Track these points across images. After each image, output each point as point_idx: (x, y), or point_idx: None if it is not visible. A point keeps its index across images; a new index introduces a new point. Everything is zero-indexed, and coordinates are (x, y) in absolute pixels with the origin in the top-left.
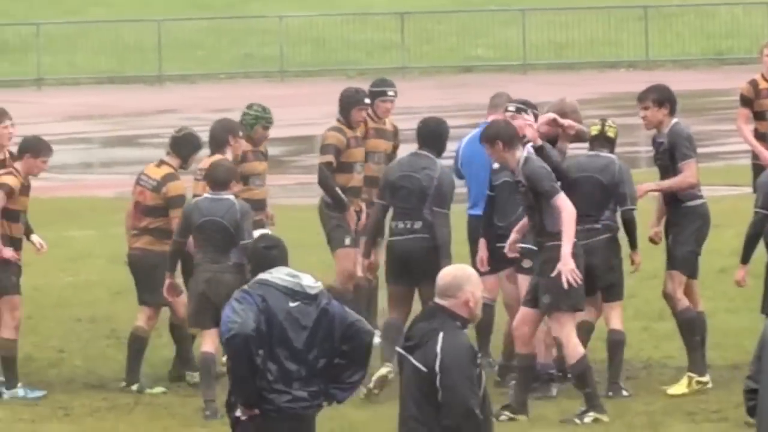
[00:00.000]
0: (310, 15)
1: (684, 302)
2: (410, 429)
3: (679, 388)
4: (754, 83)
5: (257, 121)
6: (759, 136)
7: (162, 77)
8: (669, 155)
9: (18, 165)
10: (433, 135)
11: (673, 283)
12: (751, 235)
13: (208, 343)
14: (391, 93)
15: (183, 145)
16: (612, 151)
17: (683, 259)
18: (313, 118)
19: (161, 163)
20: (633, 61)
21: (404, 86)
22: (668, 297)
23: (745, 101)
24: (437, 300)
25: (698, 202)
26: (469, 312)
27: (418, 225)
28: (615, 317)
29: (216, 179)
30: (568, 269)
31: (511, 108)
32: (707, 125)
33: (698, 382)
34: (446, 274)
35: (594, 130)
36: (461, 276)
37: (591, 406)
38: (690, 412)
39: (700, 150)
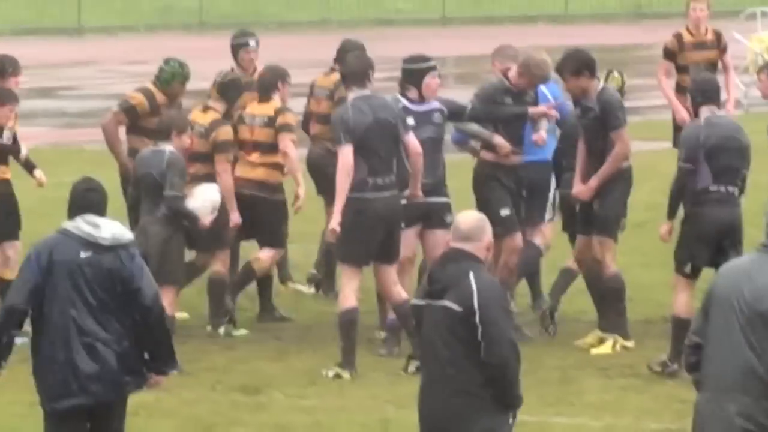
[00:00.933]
0: None
1: (613, 268)
2: (448, 375)
3: (604, 349)
4: (678, 36)
5: (174, 77)
6: (681, 90)
7: (81, 29)
8: (600, 122)
9: None
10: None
11: (603, 250)
12: (675, 189)
13: None
14: (252, 43)
15: (230, 89)
16: None
17: (613, 223)
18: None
19: (206, 108)
20: (552, 15)
21: (324, 39)
22: (593, 262)
23: (669, 54)
24: (458, 244)
25: (625, 165)
26: (486, 256)
27: None
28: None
29: (157, 130)
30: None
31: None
32: (627, 80)
33: (623, 347)
34: (469, 219)
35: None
36: (484, 220)
37: None
38: (602, 367)
39: None
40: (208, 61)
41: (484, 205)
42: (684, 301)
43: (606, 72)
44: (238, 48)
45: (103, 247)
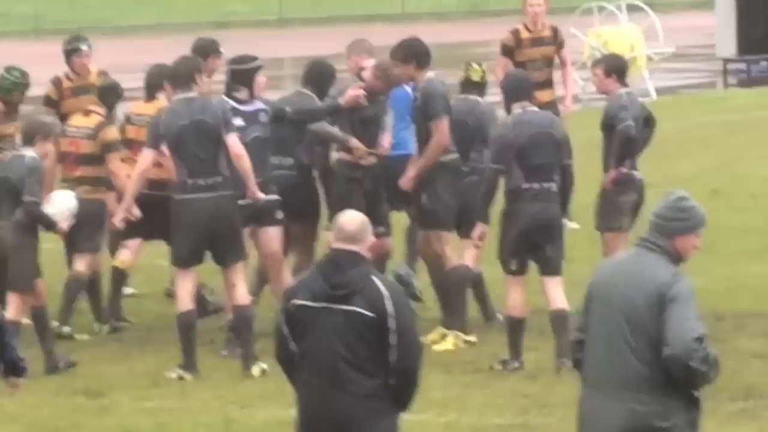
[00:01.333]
0: None
1: (453, 260)
2: (350, 378)
3: (445, 345)
4: (516, 33)
5: (16, 87)
6: None
7: None
8: (421, 112)
9: None
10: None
11: (440, 243)
12: (485, 192)
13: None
14: (84, 47)
15: (110, 94)
16: (481, 95)
17: (442, 216)
18: None
19: (88, 112)
20: (390, 14)
21: (160, 43)
22: (434, 256)
23: (506, 51)
24: (346, 246)
25: (450, 157)
26: (370, 257)
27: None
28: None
29: (22, 135)
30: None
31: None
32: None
33: (466, 341)
34: (353, 220)
35: (462, 76)
36: (365, 220)
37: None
38: (445, 363)
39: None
40: (44, 67)
41: (339, 204)
42: (515, 300)
43: (465, 64)
44: (70, 53)
45: None
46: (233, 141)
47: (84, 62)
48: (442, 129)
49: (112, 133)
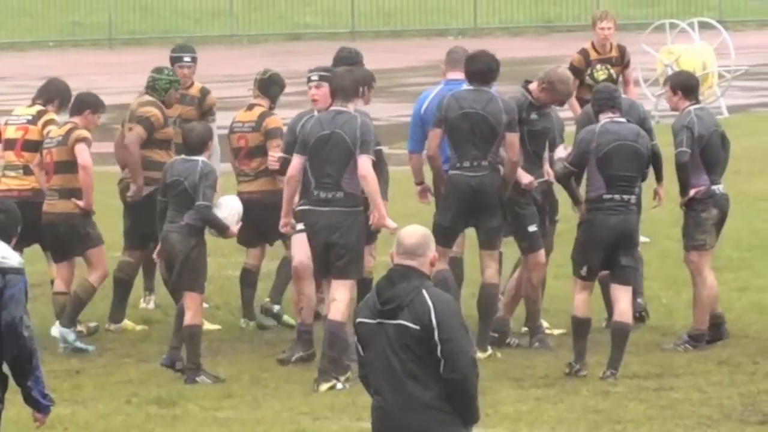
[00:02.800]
0: None
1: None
2: (408, 392)
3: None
4: (584, 53)
5: (171, 84)
6: (584, 104)
7: None
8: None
9: (77, 120)
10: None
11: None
12: (563, 185)
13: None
14: (187, 59)
15: (272, 85)
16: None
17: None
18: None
19: (251, 106)
20: (462, 28)
21: (232, 54)
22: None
23: (575, 71)
24: (404, 261)
25: (455, 172)
26: (430, 271)
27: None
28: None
29: (192, 143)
30: None
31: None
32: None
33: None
34: (414, 234)
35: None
36: (428, 235)
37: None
38: (518, 377)
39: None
40: (117, 76)
41: (517, 221)
42: (581, 302)
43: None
44: (173, 62)
45: None
46: (363, 161)
47: (185, 72)
48: (429, 139)
49: (274, 121)
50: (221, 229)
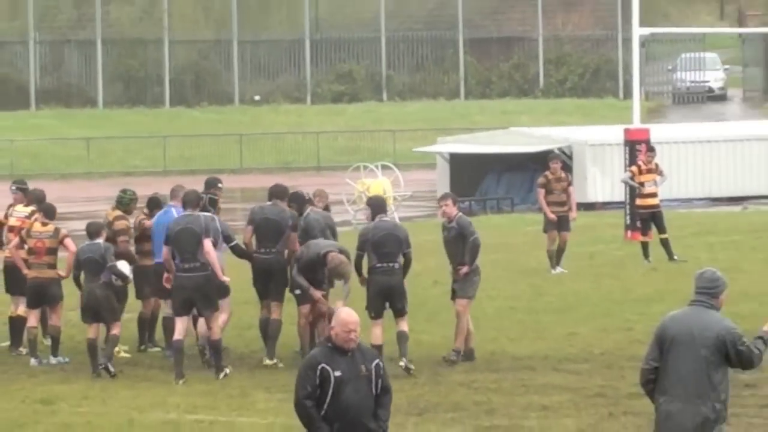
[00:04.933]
0: None
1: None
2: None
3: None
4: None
5: (132, 202)
6: None
7: None
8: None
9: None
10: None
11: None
12: (355, 262)
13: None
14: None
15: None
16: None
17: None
18: None
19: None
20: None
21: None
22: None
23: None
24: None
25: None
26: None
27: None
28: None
29: (92, 231)
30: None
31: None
32: None
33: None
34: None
35: None
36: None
37: None
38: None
39: None
40: None
41: None
42: (377, 334)
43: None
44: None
45: None
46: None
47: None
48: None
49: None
50: (124, 279)
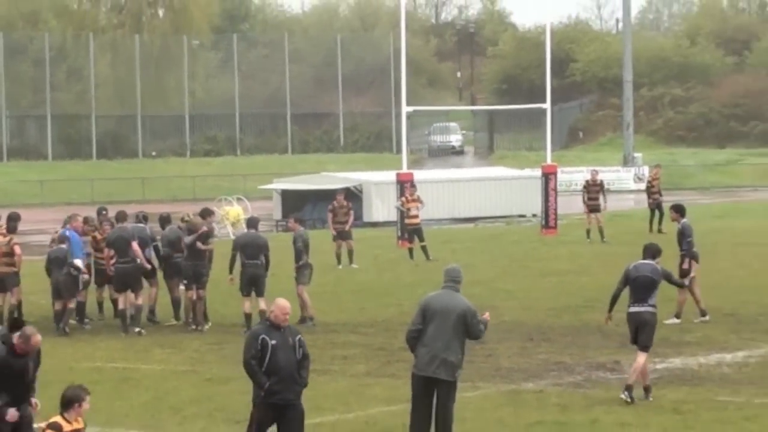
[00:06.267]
0: None
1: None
2: None
3: None
4: None
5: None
6: None
7: None
8: None
9: None
10: None
11: None
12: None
13: None
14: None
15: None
16: None
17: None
18: None
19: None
20: None
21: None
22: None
23: None
24: None
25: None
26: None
27: None
28: None
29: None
30: None
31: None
32: None
33: None
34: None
35: None
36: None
37: None
38: None
39: None
40: None
41: None
42: (246, 306)
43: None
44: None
45: None
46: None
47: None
48: None
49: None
50: (78, 270)
